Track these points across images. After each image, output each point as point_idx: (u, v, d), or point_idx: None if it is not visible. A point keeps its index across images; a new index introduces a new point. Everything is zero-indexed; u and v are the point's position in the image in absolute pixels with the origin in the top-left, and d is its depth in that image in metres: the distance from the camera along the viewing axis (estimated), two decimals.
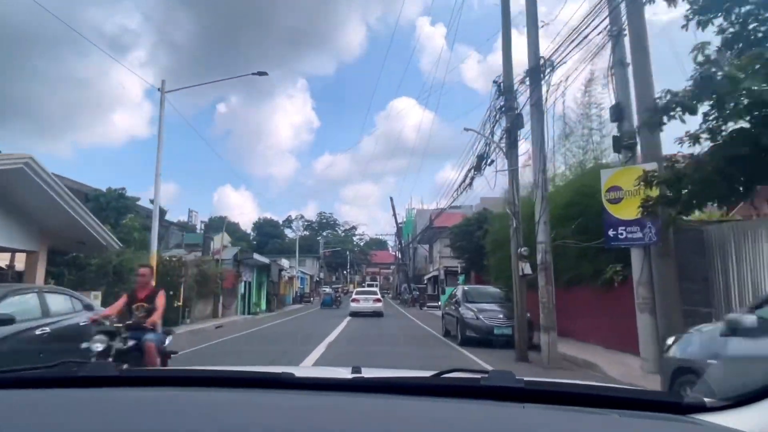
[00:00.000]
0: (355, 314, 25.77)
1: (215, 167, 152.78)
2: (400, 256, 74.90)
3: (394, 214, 43.34)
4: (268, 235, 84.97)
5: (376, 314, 26.06)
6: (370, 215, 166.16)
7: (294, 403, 1.25)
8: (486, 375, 1.33)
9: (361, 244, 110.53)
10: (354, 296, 28.58)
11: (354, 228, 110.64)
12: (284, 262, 40.43)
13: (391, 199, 42.75)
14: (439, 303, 35.39)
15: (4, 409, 1.19)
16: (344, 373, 1.62)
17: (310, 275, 61.46)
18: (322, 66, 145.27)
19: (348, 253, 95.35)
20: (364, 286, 46.75)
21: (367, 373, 1.53)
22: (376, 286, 73.87)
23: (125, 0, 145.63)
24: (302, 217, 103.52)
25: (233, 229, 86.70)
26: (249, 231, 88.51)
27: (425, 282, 49.07)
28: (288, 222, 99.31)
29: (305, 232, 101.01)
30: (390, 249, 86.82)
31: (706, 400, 1.21)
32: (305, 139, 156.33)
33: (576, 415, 1.15)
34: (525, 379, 1.29)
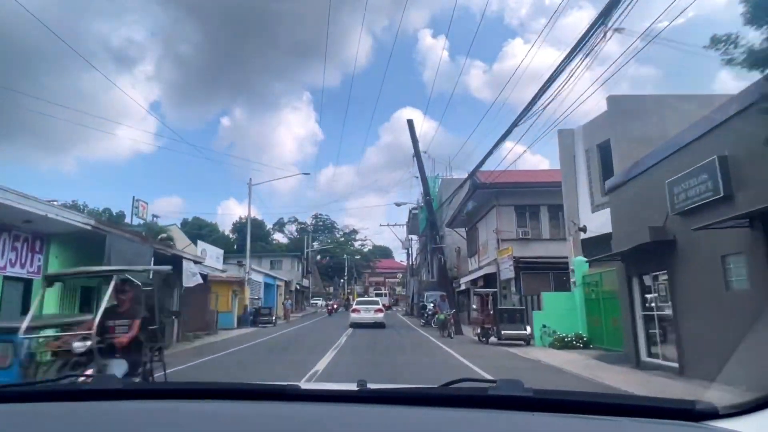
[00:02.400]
0: (355, 325, 23.12)
1: (219, 180, 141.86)
2: (412, 255, 55.68)
3: (417, 152, 22.30)
4: (251, 236, 68.53)
5: (378, 325, 23.00)
6: (374, 229, 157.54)
7: (300, 413, 1.23)
8: (494, 384, 1.28)
9: (364, 250, 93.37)
10: (354, 306, 25.68)
11: (354, 231, 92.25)
12: (207, 250, 21.08)
13: (410, 123, 22.26)
14: (528, 331, 16.01)
15: (12, 422, 1.19)
16: (349, 386, 1.50)
17: (285, 281, 41.99)
18: (327, 78, 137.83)
19: (345, 257, 75.91)
20: (370, 296, 40.20)
21: (374, 386, 1.46)
22: (385, 296, 59.34)
23: (129, 13, 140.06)
24: (296, 219, 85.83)
25: (211, 229, 72.62)
26: (229, 233, 74.11)
27: (461, 287, 29.59)
28: (280, 226, 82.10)
29: (297, 235, 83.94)
30: (400, 246, 67.60)
31: (718, 406, 1.17)
32: (309, 151, 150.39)
33: (587, 423, 1.13)
34: (534, 388, 1.23)
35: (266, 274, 35.11)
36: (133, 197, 29.51)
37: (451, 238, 38.69)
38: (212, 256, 21.54)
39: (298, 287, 47.16)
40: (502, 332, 14.91)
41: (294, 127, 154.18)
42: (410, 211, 51.02)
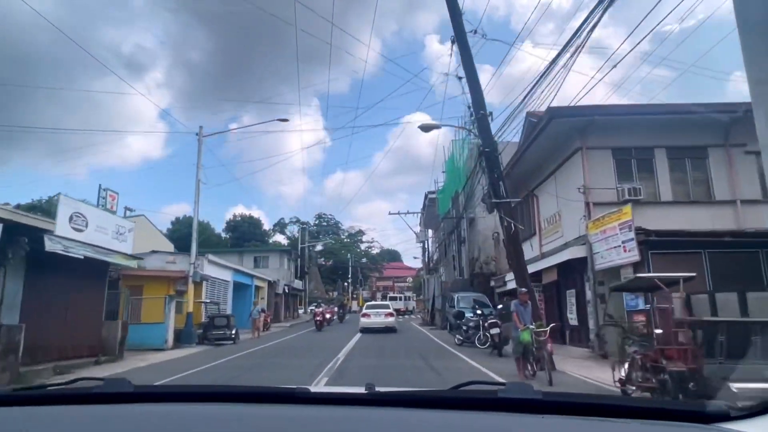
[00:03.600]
0: (365, 330, 22.68)
1: (227, 187, 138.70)
2: (429, 249, 45.62)
3: (460, 34, 12.05)
4: (246, 236, 63.42)
5: (389, 330, 22.71)
6: (381, 229, 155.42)
7: (310, 416, 1.22)
8: (503, 387, 1.25)
9: (372, 252, 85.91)
10: (364, 311, 25.23)
11: (360, 232, 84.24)
12: (90, 216, 12.01)
13: None
14: None
15: (25, 426, 1.17)
16: (359, 389, 1.47)
17: (269, 281, 32.80)
18: (335, 84, 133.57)
19: (349, 256, 66.95)
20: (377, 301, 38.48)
21: (383, 389, 1.43)
22: (400, 299, 54.27)
23: (139, 20, 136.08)
24: (298, 219, 77.61)
25: (202, 228, 64.75)
26: (221, 232, 66.84)
27: (506, 286, 20.19)
28: (281, 227, 73.74)
29: (298, 235, 75.72)
30: (410, 247, 59.07)
31: (729, 408, 1.14)
32: (317, 157, 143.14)
33: (597, 426, 1.11)
34: (543, 390, 1.20)
35: (237, 271, 25.92)
36: (100, 185, 21.41)
37: (483, 222, 29.33)
38: (106, 228, 12.39)
39: (287, 290, 37.96)
40: (733, 386, 5.58)
41: (301, 133, 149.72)
42: (426, 197, 41.74)
